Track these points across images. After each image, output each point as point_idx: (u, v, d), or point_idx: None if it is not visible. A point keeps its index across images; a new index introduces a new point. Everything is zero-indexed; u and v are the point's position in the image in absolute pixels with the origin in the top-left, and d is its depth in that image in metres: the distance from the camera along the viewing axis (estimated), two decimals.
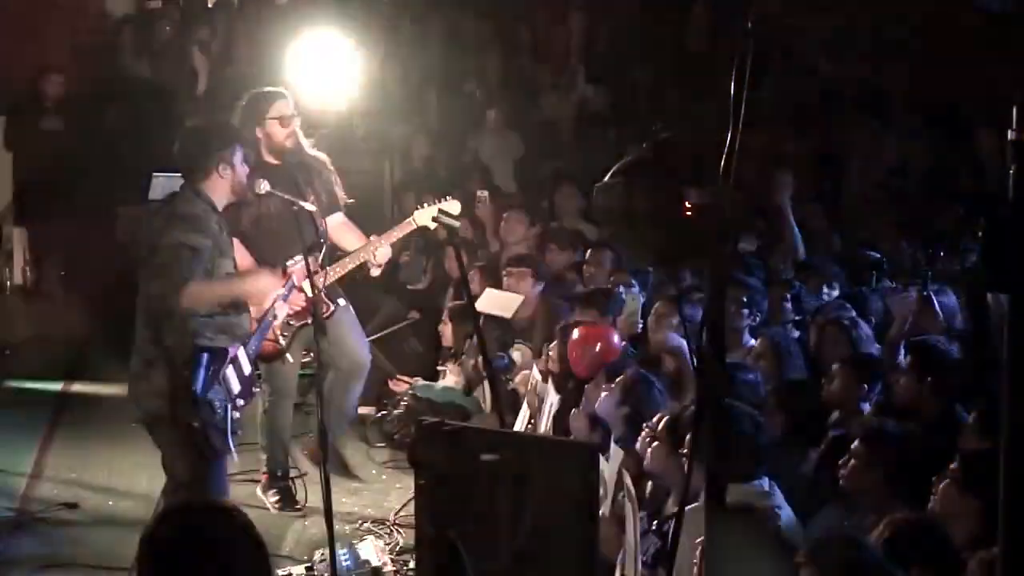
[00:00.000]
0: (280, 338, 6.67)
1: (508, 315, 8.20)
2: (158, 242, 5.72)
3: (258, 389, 6.21)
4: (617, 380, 6.08)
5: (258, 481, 7.58)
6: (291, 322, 6.76)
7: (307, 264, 5.99)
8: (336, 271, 6.96)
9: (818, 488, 5.20)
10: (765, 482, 4.89)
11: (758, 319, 7.16)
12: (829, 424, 5.86)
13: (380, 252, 6.96)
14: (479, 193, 10.18)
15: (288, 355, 6.83)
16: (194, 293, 5.67)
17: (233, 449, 5.88)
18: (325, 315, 6.83)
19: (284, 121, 6.84)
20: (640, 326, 7.31)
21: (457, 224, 6.41)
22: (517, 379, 7.72)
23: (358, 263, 7.01)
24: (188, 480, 5.77)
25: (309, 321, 6.68)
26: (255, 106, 6.85)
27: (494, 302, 8.28)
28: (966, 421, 5.33)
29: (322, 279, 6.68)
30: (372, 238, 7.03)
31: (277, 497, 7.20)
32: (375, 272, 7.10)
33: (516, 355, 8.01)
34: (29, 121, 11.37)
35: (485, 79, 12.94)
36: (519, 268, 8.49)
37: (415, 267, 10.49)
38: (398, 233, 7.10)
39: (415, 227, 7.10)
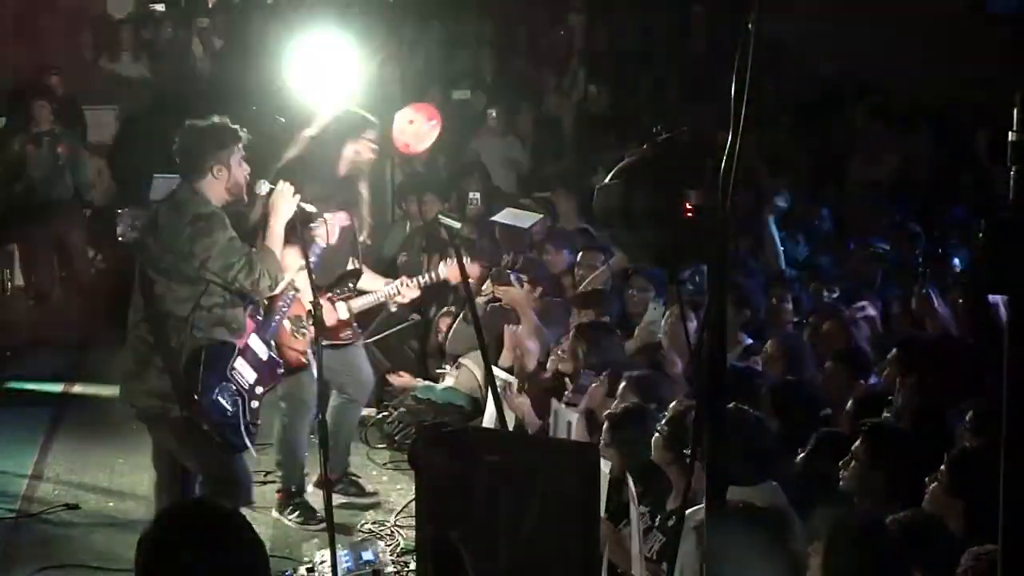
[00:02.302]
0: (309, 352, 6.60)
1: (525, 226, 8.20)
2: (201, 250, 5.69)
3: (281, 371, 6.20)
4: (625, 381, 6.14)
5: (264, 482, 7.60)
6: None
7: (310, 277, 5.92)
8: (361, 305, 7.10)
9: (810, 486, 5.19)
10: (769, 484, 4.89)
11: (748, 315, 7.17)
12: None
13: (408, 293, 7.19)
14: (471, 195, 10.17)
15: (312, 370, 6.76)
16: (267, 256, 5.79)
17: (251, 444, 5.86)
18: (348, 342, 6.96)
19: (372, 146, 7.06)
20: (659, 336, 7.28)
21: (458, 226, 6.42)
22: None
23: (383, 301, 7.23)
24: (207, 474, 5.81)
25: (334, 342, 6.77)
26: (353, 121, 7.01)
27: (512, 215, 8.28)
28: (958, 422, 5.34)
29: (347, 309, 6.89)
30: (402, 279, 7.27)
31: (297, 513, 7.01)
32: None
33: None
34: (32, 122, 11.35)
35: (485, 80, 12.94)
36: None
37: (415, 267, 10.48)
38: (427, 280, 7.31)
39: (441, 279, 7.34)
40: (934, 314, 6.64)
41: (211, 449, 5.74)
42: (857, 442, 4.96)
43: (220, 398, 5.72)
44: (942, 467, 4.53)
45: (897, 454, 4.89)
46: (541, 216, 8.34)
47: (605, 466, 5.58)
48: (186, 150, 5.88)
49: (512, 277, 8.04)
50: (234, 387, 5.78)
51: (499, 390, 6.72)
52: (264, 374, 5.95)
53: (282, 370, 6.20)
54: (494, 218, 8.51)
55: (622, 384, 6.11)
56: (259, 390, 5.89)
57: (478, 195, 10.17)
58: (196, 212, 5.75)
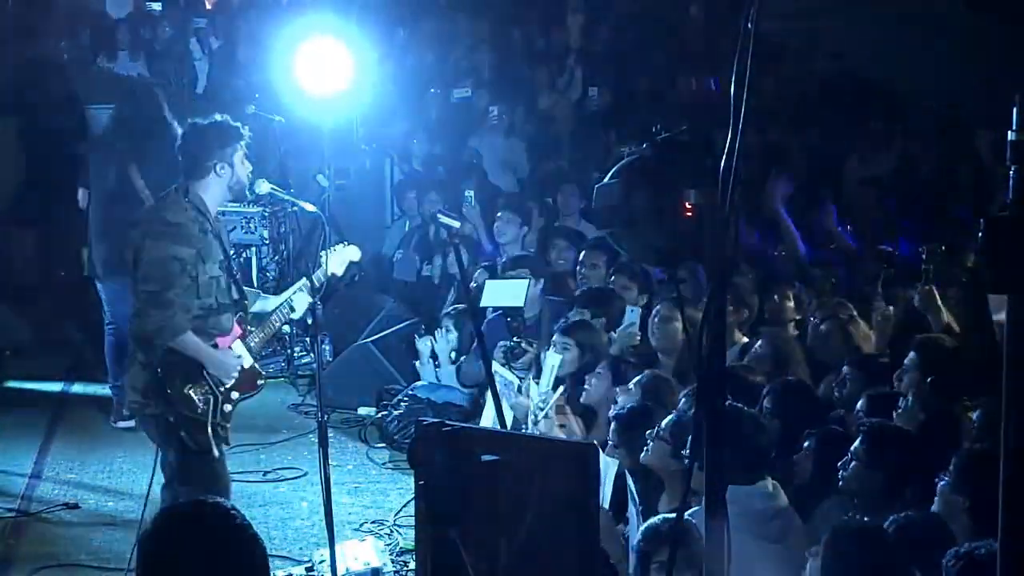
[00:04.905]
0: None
1: (520, 303, 8.05)
2: (143, 249, 5.70)
3: (262, 383, 6.12)
4: (635, 381, 6.15)
5: (259, 481, 7.59)
6: None
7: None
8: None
9: (815, 486, 5.19)
10: (769, 484, 4.89)
11: (745, 315, 7.17)
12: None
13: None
14: (466, 193, 10.15)
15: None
16: (181, 341, 5.65)
17: (214, 444, 5.78)
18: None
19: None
20: (638, 338, 7.29)
21: (457, 224, 6.37)
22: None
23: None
24: (175, 473, 5.78)
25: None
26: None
27: (499, 294, 8.16)
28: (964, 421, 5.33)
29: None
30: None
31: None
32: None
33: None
34: (30, 121, 11.37)
35: (484, 79, 12.94)
36: (518, 270, 8.46)
37: (408, 264, 10.50)
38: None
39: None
40: (937, 312, 6.63)
41: (181, 448, 5.72)
42: (857, 442, 4.96)
43: (192, 393, 5.71)
44: (951, 466, 4.52)
45: (898, 454, 4.88)
46: (527, 281, 8.16)
47: (613, 464, 5.61)
48: (189, 150, 5.86)
49: (520, 348, 7.85)
50: (208, 387, 5.75)
51: (501, 389, 6.73)
52: (243, 381, 5.93)
53: (262, 381, 6.10)
54: (483, 303, 8.24)
55: (632, 383, 6.14)
56: (234, 395, 5.87)
57: (471, 194, 10.14)
58: (162, 216, 5.77)
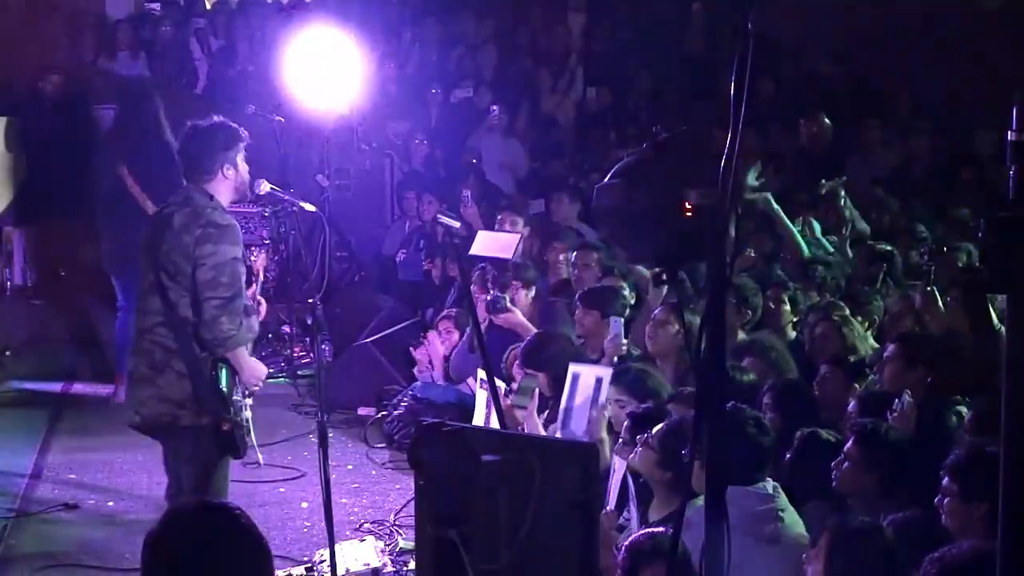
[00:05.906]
0: None
1: (509, 255, 8.06)
2: (205, 255, 5.56)
3: (259, 386, 6.15)
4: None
5: (259, 481, 7.59)
6: None
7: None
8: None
9: (799, 486, 5.17)
10: (769, 484, 4.88)
11: (749, 316, 7.16)
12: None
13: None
14: (463, 193, 10.17)
15: None
16: (236, 354, 5.63)
17: (257, 447, 5.84)
18: None
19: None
20: (625, 347, 7.25)
21: (457, 225, 6.39)
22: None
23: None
24: (193, 485, 5.72)
25: None
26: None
27: (491, 244, 8.13)
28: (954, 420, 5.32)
29: None
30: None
31: None
32: None
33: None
34: (29, 122, 11.37)
35: (485, 79, 12.95)
36: (515, 280, 8.43)
37: (413, 264, 10.51)
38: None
39: None
40: (937, 312, 6.62)
41: (212, 457, 5.69)
42: (849, 443, 4.94)
43: (237, 399, 5.71)
44: (946, 481, 4.37)
45: (891, 455, 4.87)
46: (519, 237, 8.19)
47: (621, 464, 5.59)
48: (194, 152, 5.79)
49: (503, 303, 7.91)
50: (241, 394, 5.76)
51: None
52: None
53: (258, 385, 6.13)
54: (472, 252, 8.25)
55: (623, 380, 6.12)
56: (249, 401, 5.88)
57: (469, 193, 10.15)
58: (211, 219, 5.63)
